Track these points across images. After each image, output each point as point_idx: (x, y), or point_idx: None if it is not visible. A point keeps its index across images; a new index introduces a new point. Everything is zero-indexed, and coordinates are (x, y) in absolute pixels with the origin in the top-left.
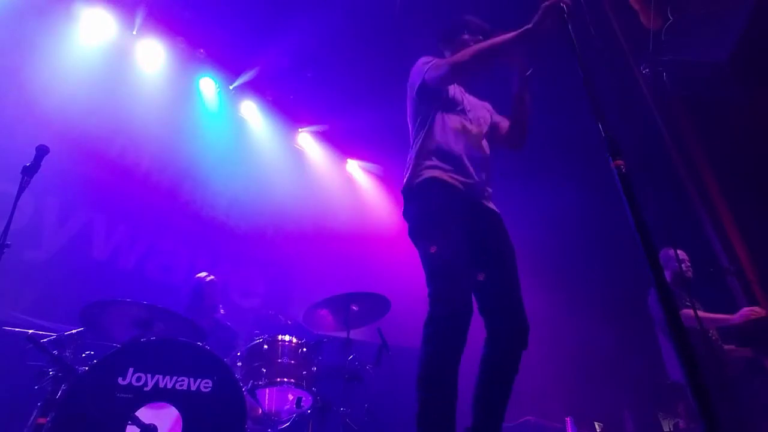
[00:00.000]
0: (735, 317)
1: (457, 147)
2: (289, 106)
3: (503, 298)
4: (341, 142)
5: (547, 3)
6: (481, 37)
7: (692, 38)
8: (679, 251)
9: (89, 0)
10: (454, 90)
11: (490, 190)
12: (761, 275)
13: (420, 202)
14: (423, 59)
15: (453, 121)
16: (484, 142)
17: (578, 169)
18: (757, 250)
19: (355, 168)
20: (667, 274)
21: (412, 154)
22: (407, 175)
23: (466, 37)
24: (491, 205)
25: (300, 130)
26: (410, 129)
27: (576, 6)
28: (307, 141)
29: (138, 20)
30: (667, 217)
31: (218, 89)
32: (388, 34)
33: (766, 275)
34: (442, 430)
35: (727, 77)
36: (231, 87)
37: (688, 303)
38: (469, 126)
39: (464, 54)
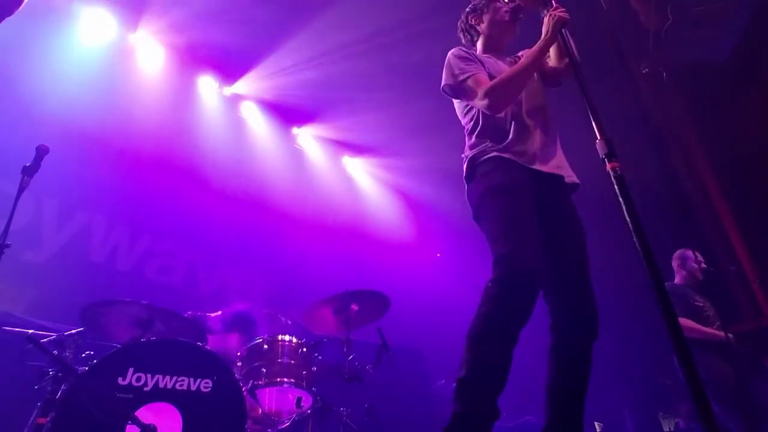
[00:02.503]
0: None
1: (512, 123)
2: (289, 106)
3: (574, 285)
4: (339, 139)
5: (555, 18)
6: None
7: (692, 38)
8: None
9: (89, 0)
10: (489, 68)
11: (557, 154)
12: (761, 275)
13: (483, 180)
14: (455, 62)
15: None
16: (541, 103)
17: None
18: (757, 250)
19: (354, 167)
20: (683, 274)
21: (470, 140)
22: (467, 160)
23: (498, 4)
24: (561, 172)
25: (297, 128)
26: (459, 113)
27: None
28: (306, 140)
29: (138, 20)
30: (667, 219)
31: (218, 89)
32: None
33: (766, 275)
34: (480, 400)
35: (728, 77)
36: (228, 91)
37: (699, 303)
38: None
39: (500, 86)
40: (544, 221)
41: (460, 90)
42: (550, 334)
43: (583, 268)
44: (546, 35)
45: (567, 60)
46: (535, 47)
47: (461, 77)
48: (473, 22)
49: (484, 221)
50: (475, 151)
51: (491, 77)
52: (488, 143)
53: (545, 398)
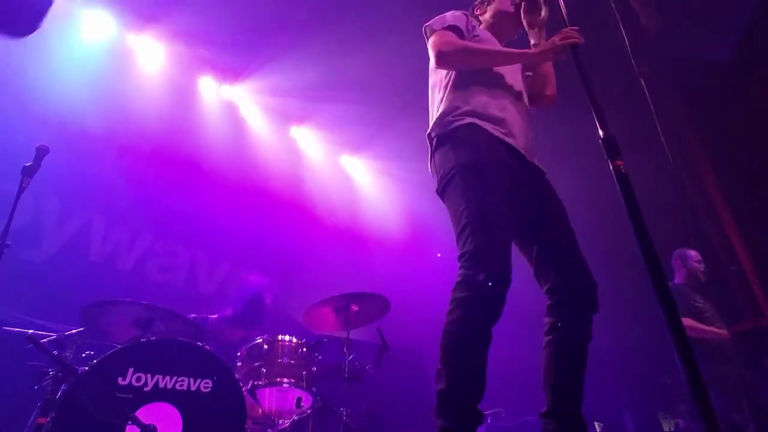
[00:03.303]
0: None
1: (490, 91)
2: (290, 105)
3: (566, 258)
4: (339, 138)
5: (558, 44)
6: None
7: (692, 38)
8: (693, 251)
9: (90, 0)
10: (483, 39)
11: (532, 140)
12: (761, 275)
13: (455, 150)
14: (449, 15)
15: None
16: (519, 89)
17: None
18: (757, 250)
19: (354, 166)
20: (684, 273)
21: (442, 100)
22: (437, 121)
23: None
24: (535, 160)
25: (297, 127)
26: (431, 70)
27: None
28: (306, 140)
29: (138, 20)
30: (667, 216)
31: (218, 89)
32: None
33: (766, 275)
34: (465, 410)
35: (728, 77)
36: (229, 91)
37: (699, 303)
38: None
39: (458, 46)
40: (524, 199)
41: (431, 33)
42: (549, 314)
43: (572, 241)
44: (543, 50)
45: (550, 93)
46: (525, 52)
47: (441, 26)
48: (478, 12)
49: (452, 200)
50: (448, 113)
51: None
52: (463, 106)
53: (545, 381)
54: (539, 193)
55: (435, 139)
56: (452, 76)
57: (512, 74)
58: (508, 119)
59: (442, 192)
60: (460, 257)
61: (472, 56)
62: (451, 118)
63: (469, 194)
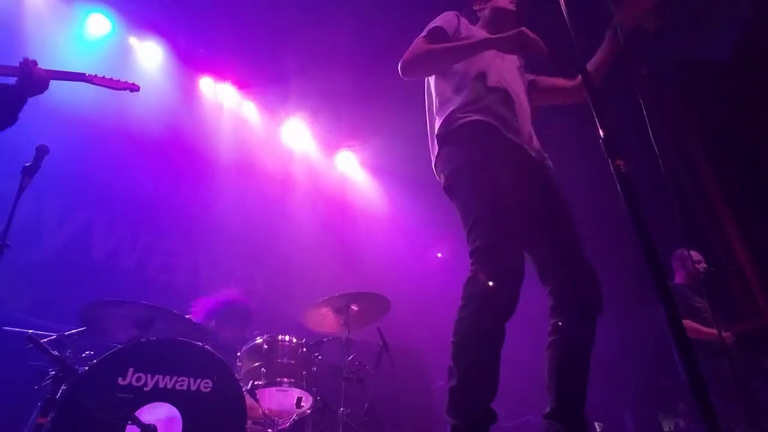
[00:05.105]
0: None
1: (496, 90)
2: (290, 106)
3: (572, 259)
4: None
5: (519, 30)
6: None
7: (692, 38)
8: (693, 252)
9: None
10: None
11: (534, 137)
12: (761, 275)
13: (463, 148)
14: (437, 19)
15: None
16: (520, 86)
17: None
18: (757, 250)
19: (355, 166)
20: (683, 274)
21: (447, 99)
22: (443, 119)
23: None
24: (541, 157)
25: (296, 126)
26: None
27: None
28: (306, 139)
29: (139, 21)
30: (668, 218)
31: (218, 89)
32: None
33: (766, 275)
34: (476, 408)
35: (728, 77)
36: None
37: (698, 303)
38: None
39: (419, 52)
40: (529, 196)
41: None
42: (553, 314)
43: (579, 242)
44: (501, 41)
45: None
46: (488, 38)
47: (425, 32)
48: (476, 8)
49: (459, 200)
50: (452, 111)
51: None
52: (467, 104)
53: (548, 382)
54: (545, 191)
55: (440, 137)
56: (455, 74)
57: (512, 72)
58: (512, 116)
59: (449, 189)
60: (471, 254)
61: (431, 59)
62: (455, 116)
63: (476, 191)
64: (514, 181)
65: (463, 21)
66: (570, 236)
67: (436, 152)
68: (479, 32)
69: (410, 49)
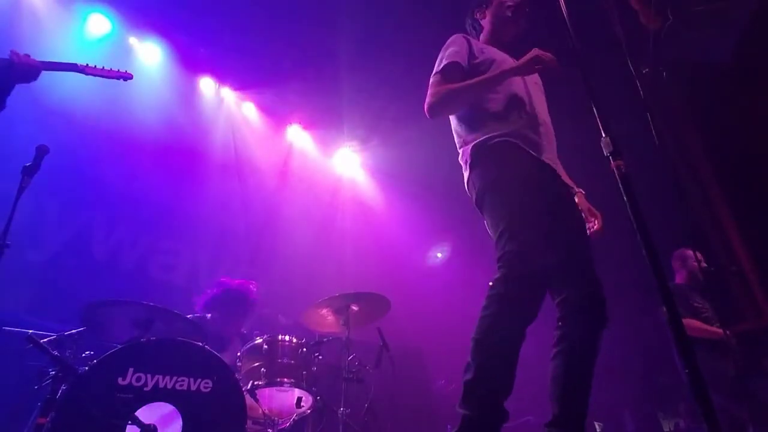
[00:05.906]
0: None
1: (520, 112)
2: (290, 105)
3: (580, 272)
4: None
5: (533, 55)
6: None
7: (692, 38)
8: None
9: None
10: (490, 55)
11: (558, 160)
12: (761, 275)
13: (491, 167)
14: (445, 50)
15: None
16: (543, 111)
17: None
18: (757, 250)
19: (354, 166)
20: (684, 274)
21: (473, 124)
22: (472, 145)
23: None
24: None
25: (295, 126)
26: None
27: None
28: (305, 139)
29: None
30: (668, 217)
31: (218, 89)
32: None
33: (766, 275)
34: (488, 404)
35: (728, 77)
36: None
37: (698, 303)
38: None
39: (442, 94)
40: (549, 212)
41: (433, 75)
42: (560, 326)
43: (589, 256)
44: (518, 69)
45: None
46: (510, 68)
47: (438, 68)
48: (478, 17)
49: (490, 211)
50: (480, 135)
51: (491, 63)
52: (496, 129)
53: (552, 392)
54: (563, 208)
55: (471, 158)
56: (481, 100)
57: (536, 94)
58: (539, 138)
59: (480, 205)
60: (499, 259)
61: (454, 101)
62: (483, 141)
63: (506, 203)
64: (539, 195)
65: (474, 43)
66: (584, 254)
67: (467, 175)
68: (492, 52)
69: (430, 92)
